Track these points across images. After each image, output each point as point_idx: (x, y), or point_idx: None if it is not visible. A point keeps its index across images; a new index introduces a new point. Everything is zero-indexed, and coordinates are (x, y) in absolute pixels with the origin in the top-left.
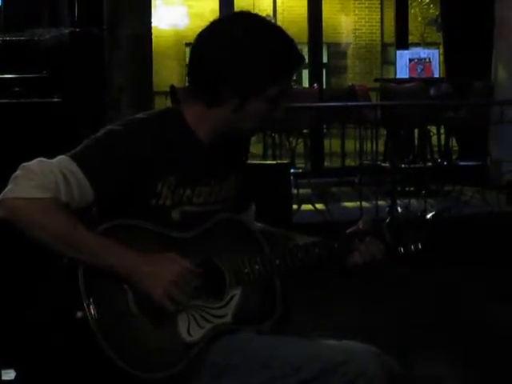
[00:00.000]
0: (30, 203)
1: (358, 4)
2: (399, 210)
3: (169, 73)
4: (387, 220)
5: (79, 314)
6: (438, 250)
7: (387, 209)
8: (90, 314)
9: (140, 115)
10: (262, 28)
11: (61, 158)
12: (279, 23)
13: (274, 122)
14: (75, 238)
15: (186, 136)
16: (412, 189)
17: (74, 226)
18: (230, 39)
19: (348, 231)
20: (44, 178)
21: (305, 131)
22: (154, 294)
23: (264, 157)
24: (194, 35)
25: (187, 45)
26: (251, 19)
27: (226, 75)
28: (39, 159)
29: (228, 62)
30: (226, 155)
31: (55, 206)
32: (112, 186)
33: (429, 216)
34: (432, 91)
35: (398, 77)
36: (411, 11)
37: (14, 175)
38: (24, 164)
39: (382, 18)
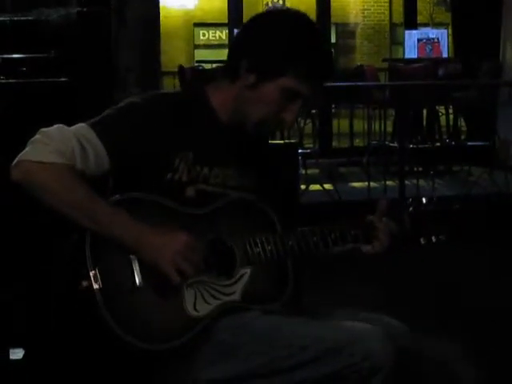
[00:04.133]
0: (45, 167)
1: None
2: (424, 200)
3: (177, 53)
4: (410, 209)
5: (84, 283)
6: (458, 239)
7: (410, 199)
8: (95, 283)
9: (164, 91)
10: (306, 27)
11: (79, 126)
12: (287, 3)
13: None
14: (86, 205)
15: (207, 114)
16: (420, 169)
17: (86, 194)
18: (270, 23)
19: (367, 218)
20: (61, 143)
21: (313, 111)
22: (161, 265)
23: (272, 137)
24: (203, 15)
25: (195, 25)
26: (304, 18)
27: (249, 50)
28: (58, 125)
29: (255, 37)
30: (249, 145)
31: (69, 172)
32: (128, 156)
33: (455, 208)
34: (440, 71)
35: (406, 57)
36: None
37: (32, 139)
38: (42, 129)
39: None
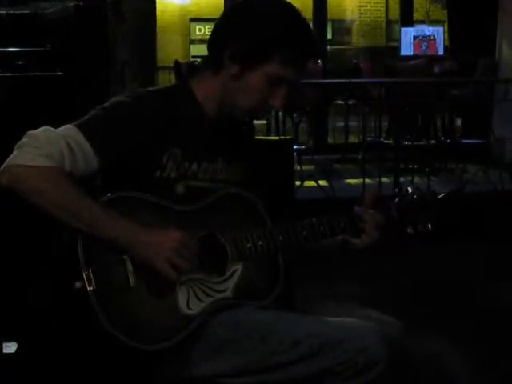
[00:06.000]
0: (34, 171)
1: None
2: (409, 189)
3: (173, 48)
4: (396, 200)
5: (78, 284)
6: (445, 229)
7: (396, 189)
8: (89, 284)
9: (149, 88)
10: (286, 10)
11: (66, 127)
12: None
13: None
14: (77, 207)
15: (193, 110)
16: (415, 166)
17: (77, 196)
18: (250, 10)
19: (353, 210)
20: (49, 146)
21: (308, 108)
22: (156, 262)
23: (267, 133)
24: (199, 11)
25: (192, 20)
26: (284, 3)
27: (231, 37)
28: (45, 127)
29: (236, 26)
30: (236, 138)
31: (59, 175)
32: (117, 155)
33: (440, 196)
34: (436, 69)
35: (402, 54)
36: None
37: (19, 143)
38: (30, 132)
39: None
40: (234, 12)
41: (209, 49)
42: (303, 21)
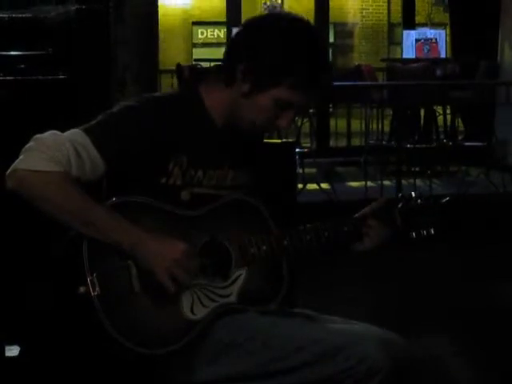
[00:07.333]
0: (41, 176)
1: None
2: (413, 194)
3: (175, 51)
4: (399, 205)
5: (82, 289)
6: (448, 233)
7: (400, 194)
8: (93, 289)
9: (157, 94)
10: (300, 33)
11: (73, 131)
12: (286, 2)
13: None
14: (83, 212)
15: (201, 116)
16: (417, 169)
17: (83, 200)
18: (267, 31)
19: (357, 215)
20: (56, 151)
21: (311, 110)
22: (157, 273)
23: (269, 136)
24: (201, 14)
25: (194, 23)
26: (304, 26)
27: (245, 56)
28: (52, 132)
29: (250, 45)
30: (243, 145)
31: (65, 180)
32: (123, 161)
33: (443, 201)
34: (438, 71)
35: (404, 57)
36: None
37: (26, 146)
38: (36, 136)
39: None
40: (251, 28)
41: (224, 59)
42: (317, 46)
